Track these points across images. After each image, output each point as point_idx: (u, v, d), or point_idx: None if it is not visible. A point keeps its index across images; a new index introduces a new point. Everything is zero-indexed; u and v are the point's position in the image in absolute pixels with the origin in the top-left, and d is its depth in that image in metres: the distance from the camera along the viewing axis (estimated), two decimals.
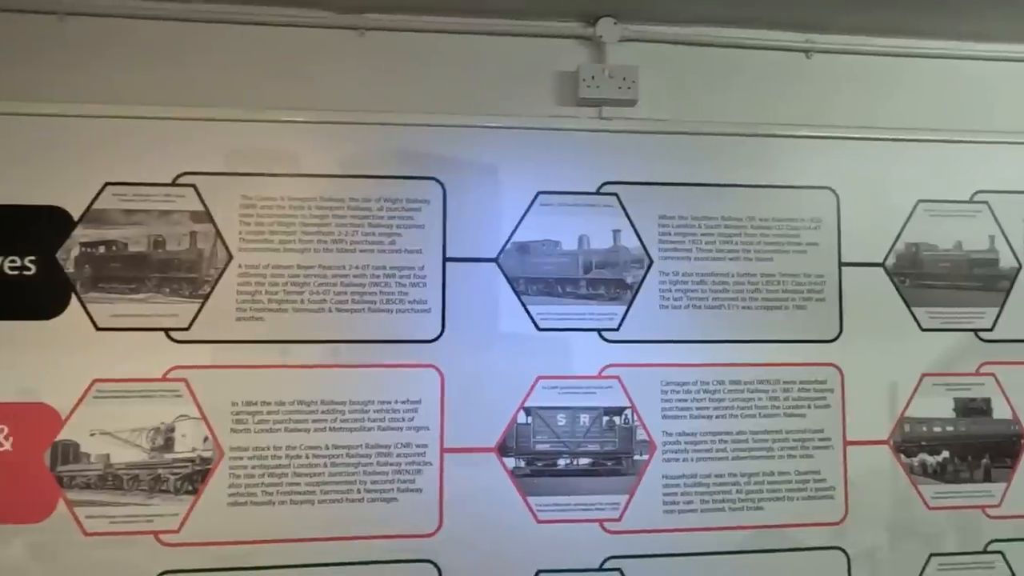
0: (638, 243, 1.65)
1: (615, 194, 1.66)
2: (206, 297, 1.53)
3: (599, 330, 1.62)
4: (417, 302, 1.58)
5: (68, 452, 1.47)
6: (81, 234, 1.51)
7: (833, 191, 1.72)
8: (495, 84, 1.68)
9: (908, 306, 1.71)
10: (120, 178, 1.53)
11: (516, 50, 1.70)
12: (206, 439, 1.50)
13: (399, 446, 1.55)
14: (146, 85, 1.57)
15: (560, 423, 1.58)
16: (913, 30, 1.78)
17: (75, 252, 1.51)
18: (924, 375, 1.70)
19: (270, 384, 1.53)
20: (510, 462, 1.56)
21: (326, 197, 1.58)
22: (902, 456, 1.67)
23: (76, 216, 1.52)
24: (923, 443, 1.68)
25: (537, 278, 1.61)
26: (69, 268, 1.50)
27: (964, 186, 1.75)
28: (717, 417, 1.63)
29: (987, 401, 1.71)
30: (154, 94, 1.57)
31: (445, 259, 1.60)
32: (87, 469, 1.47)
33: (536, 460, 1.57)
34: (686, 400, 1.62)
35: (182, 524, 1.48)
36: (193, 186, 1.55)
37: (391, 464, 1.54)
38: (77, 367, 1.48)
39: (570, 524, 1.57)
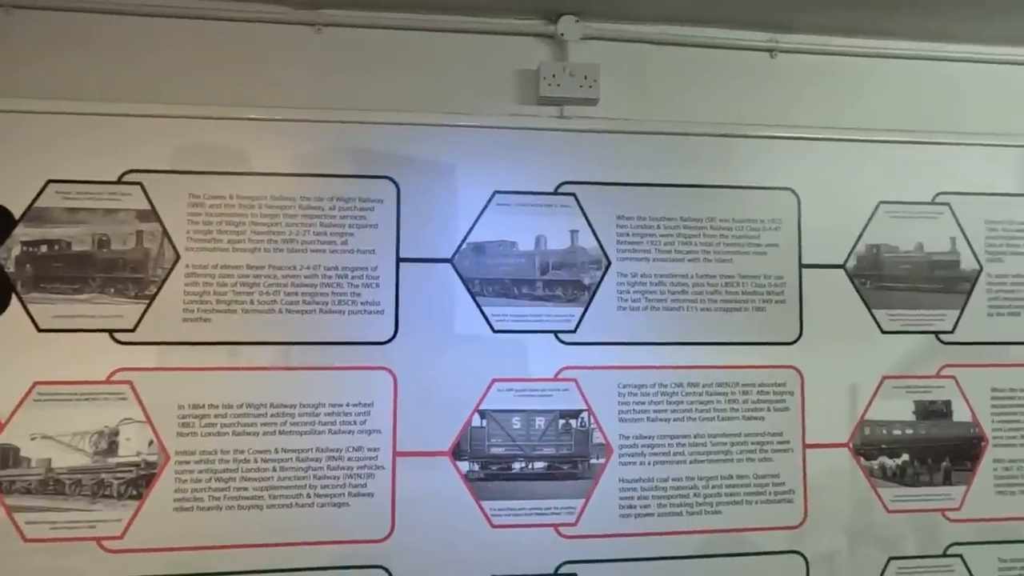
0: (596, 244, 1.61)
1: (573, 194, 1.62)
2: (152, 298, 1.49)
3: (556, 332, 1.59)
4: (370, 303, 1.54)
5: (8, 456, 1.42)
6: (22, 233, 1.47)
7: (794, 192, 1.70)
8: (455, 82, 1.65)
9: (869, 308, 1.69)
10: (63, 175, 1.49)
11: (476, 48, 1.66)
12: (151, 443, 1.46)
13: (350, 450, 1.51)
14: (92, 80, 1.53)
15: (515, 426, 1.55)
16: (878, 30, 1.76)
17: (16, 251, 1.46)
18: (885, 377, 1.68)
19: (218, 386, 1.49)
20: (464, 466, 1.53)
21: (277, 196, 1.54)
22: (862, 459, 1.65)
23: (17, 214, 1.47)
24: (883, 446, 1.66)
25: (493, 279, 1.58)
26: (10, 268, 1.46)
27: (926, 187, 1.73)
28: (675, 420, 1.60)
29: (947, 403, 1.69)
30: (100, 90, 1.52)
31: (399, 259, 1.56)
32: (27, 474, 1.43)
33: (490, 464, 1.54)
34: (644, 403, 1.59)
35: (125, 530, 1.44)
36: (139, 184, 1.51)
37: (342, 468, 1.50)
38: (17, 369, 1.44)
39: (525, 529, 1.54)
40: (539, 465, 1.55)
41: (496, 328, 1.57)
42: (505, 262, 1.58)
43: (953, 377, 1.70)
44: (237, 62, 1.59)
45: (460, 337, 1.56)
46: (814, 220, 1.68)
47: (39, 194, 1.48)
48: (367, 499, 1.50)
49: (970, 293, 1.72)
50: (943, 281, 1.71)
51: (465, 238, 1.58)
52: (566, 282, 1.60)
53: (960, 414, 1.69)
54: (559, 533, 1.55)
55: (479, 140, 1.61)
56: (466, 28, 1.67)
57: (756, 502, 1.61)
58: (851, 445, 1.65)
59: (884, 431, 1.67)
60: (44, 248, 1.47)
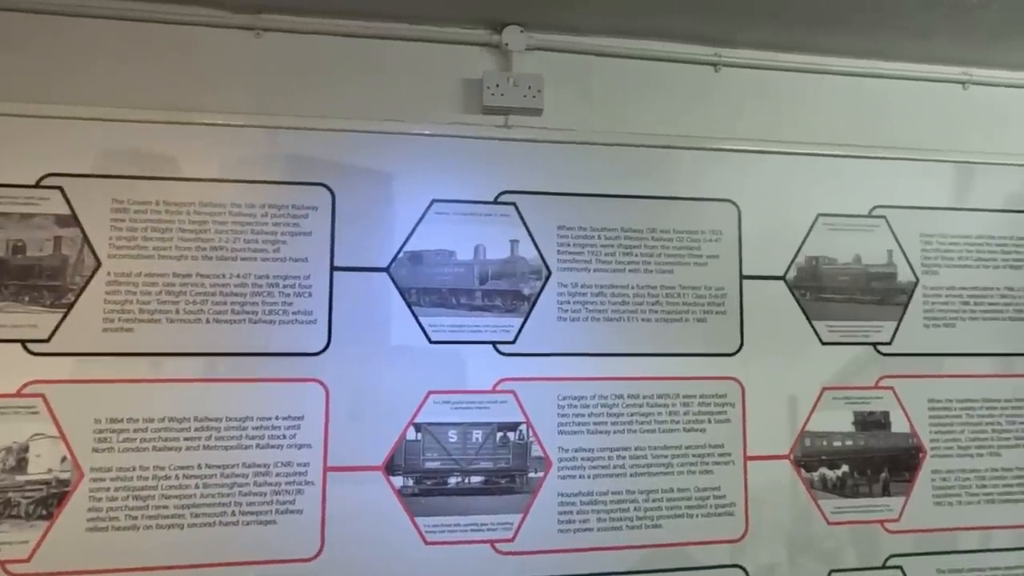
0: (536, 254, 1.56)
1: (513, 203, 1.57)
2: (70, 306, 1.39)
3: (494, 343, 1.52)
4: (302, 313, 1.46)
5: None
6: None
7: (735, 203, 1.67)
8: (398, 90, 1.60)
9: (809, 319, 1.66)
10: None
11: (420, 56, 1.61)
12: (64, 459, 1.35)
13: (279, 465, 1.42)
14: (15, 81, 1.44)
15: (451, 440, 1.47)
16: (817, 47, 1.76)
17: None
18: (825, 389, 1.64)
19: (139, 400, 1.39)
20: (398, 481, 1.45)
21: (206, 202, 1.46)
22: (802, 471, 1.61)
23: None
24: (823, 457, 1.62)
25: (430, 289, 1.51)
26: None
27: (863, 200, 1.72)
28: (615, 432, 1.54)
29: (886, 414, 1.66)
30: (24, 91, 1.44)
31: (333, 268, 1.48)
32: None
33: (425, 479, 1.46)
34: (583, 415, 1.53)
35: (33, 552, 1.33)
36: (59, 188, 1.41)
37: (270, 484, 1.41)
38: None
39: (460, 546, 1.46)
40: (476, 479, 1.48)
41: (433, 339, 1.50)
42: (443, 271, 1.51)
43: (891, 388, 1.67)
44: (172, 66, 1.51)
45: (396, 348, 1.49)
46: (754, 232, 1.66)
47: None
48: (295, 516, 1.41)
49: (907, 305, 1.70)
50: (881, 293, 1.69)
51: (402, 247, 1.52)
52: (505, 292, 1.53)
53: (898, 425, 1.66)
54: (495, 549, 1.47)
55: (418, 148, 1.55)
56: (411, 36, 1.62)
57: (697, 515, 1.55)
58: (792, 457, 1.61)
59: (824, 442, 1.63)
60: None
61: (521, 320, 1.54)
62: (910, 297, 1.71)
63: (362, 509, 1.43)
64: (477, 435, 1.49)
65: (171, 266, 1.44)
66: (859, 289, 1.69)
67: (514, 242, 1.56)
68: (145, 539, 1.36)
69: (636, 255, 1.60)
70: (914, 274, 1.72)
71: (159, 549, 1.36)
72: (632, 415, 1.56)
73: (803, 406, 1.64)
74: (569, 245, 1.58)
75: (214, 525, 1.39)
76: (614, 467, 1.54)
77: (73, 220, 1.41)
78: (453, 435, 1.48)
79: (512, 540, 1.48)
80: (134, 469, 1.38)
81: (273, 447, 1.43)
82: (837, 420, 1.64)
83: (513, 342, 1.53)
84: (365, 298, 1.49)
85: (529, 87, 1.61)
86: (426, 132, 1.56)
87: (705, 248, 1.63)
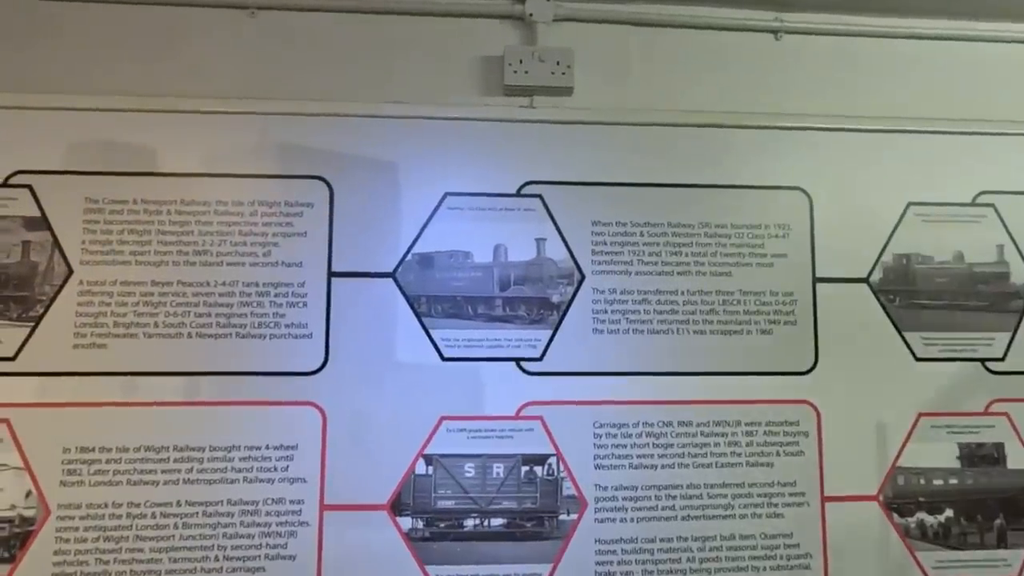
0: (566, 254, 1.33)
1: (539, 196, 1.35)
2: (38, 320, 1.23)
3: (518, 360, 1.30)
4: (296, 326, 1.27)
5: None
6: None
7: (805, 192, 1.40)
8: (407, 71, 1.41)
9: (899, 331, 1.37)
10: None
11: (432, 32, 1.43)
12: (29, 494, 1.19)
13: (269, 502, 1.22)
14: None
15: (468, 475, 1.25)
16: (900, 7, 1.46)
17: None
18: (921, 415, 1.36)
19: (112, 426, 1.22)
20: (405, 523, 1.23)
21: (188, 200, 1.29)
22: (895, 515, 1.32)
23: None
24: (921, 499, 1.33)
25: (443, 297, 1.30)
26: None
27: (965, 186, 1.44)
28: (663, 467, 1.29)
29: (999, 447, 1.36)
30: None
31: (330, 274, 1.29)
32: None
33: (437, 520, 1.24)
34: (624, 446, 1.29)
35: None
36: (29, 187, 1.26)
37: (258, 525, 1.22)
38: None
39: None
40: (497, 522, 1.25)
41: (446, 356, 1.29)
42: (457, 276, 1.30)
43: (1005, 414, 1.37)
44: (156, 51, 1.35)
45: (403, 366, 1.28)
46: (830, 225, 1.40)
47: None
48: (287, 563, 1.22)
49: None
50: (989, 298, 1.39)
51: (410, 248, 1.31)
52: (530, 300, 1.31)
53: (1016, 459, 1.37)
54: None
55: (428, 134, 1.35)
56: (421, 10, 1.44)
57: (765, 568, 1.29)
58: (881, 498, 1.32)
59: (922, 480, 1.33)
60: None
61: (549, 333, 1.31)
62: None
63: (364, 555, 1.23)
64: (498, 469, 1.26)
65: (149, 273, 1.26)
66: (962, 293, 1.39)
67: (540, 241, 1.33)
68: None
69: (686, 255, 1.35)
70: None
71: None
72: (684, 446, 1.30)
73: (894, 436, 1.34)
74: (605, 244, 1.34)
75: (195, 572, 1.20)
76: (662, 508, 1.28)
77: (43, 223, 1.26)
78: (470, 469, 1.26)
79: None
80: (106, 506, 1.20)
81: (263, 481, 1.23)
82: (938, 454, 1.35)
83: (540, 359, 1.30)
84: (367, 308, 1.29)
85: (557, 63, 1.39)
86: (437, 116, 1.35)
87: (770, 245, 1.37)
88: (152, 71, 1.34)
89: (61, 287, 1.24)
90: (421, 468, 1.26)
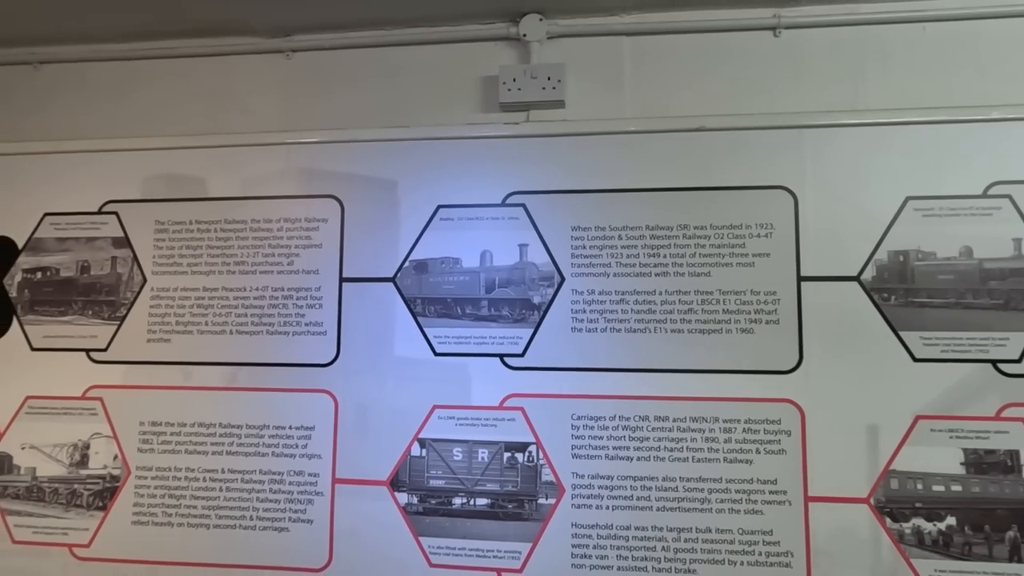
0: (547, 258, 1.38)
1: (522, 205, 1.40)
2: (122, 319, 1.49)
3: (501, 355, 1.37)
4: (313, 324, 1.43)
5: (2, 464, 1.47)
6: (23, 261, 1.54)
7: (790, 191, 1.35)
8: (414, 96, 1.53)
9: (894, 330, 1.28)
10: (56, 208, 1.54)
11: (437, 58, 1.53)
12: (116, 457, 1.45)
13: (292, 473, 1.40)
14: (84, 121, 1.59)
15: (456, 458, 1.35)
16: None
17: (18, 278, 1.54)
18: (919, 418, 1.26)
19: (174, 405, 1.46)
20: (402, 498, 1.36)
21: (230, 219, 1.49)
22: (888, 520, 1.24)
23: (20, 245, 1.54)
24: (918, 505, 1.24)
25: (435, 298, 1.40)
26: (12, 293, 1.53)
27: (975, 177, 1.30)
28: (639, 459, 1.31)
29: (1013, 455, 1.23)
30: (90, 128, 1.57)
31: (342, 279, 1.44)
32: (17, 480, 1.47)
33: (430, 497, 1.35)
34: (601, 437, 1.32)
35: (92, 539, 1.44)
36: (115, 213, 1.52)
37: (283, 492, 1.40)
38: (13, 384, 1.51)
39: (465, 572, 1.33)
40: (482, 502, 1.33)
41: (438, 351, 1.39)
42: (448, 280, 1.40)
43: (1021, 419, 1.23)
44: (210, 94, 1.57)
45: (400, 360, 1.40)
46: (817, 224, 1.34)
47: (37, 226, 1.54)
48: (306, 525, 1.38)
49: None
50: (1003, 295, 1.26)
51: (407, 256, 1.43)
52: (513, 301, 1.37)
53: None
54: None
55: (424, 153, 1.45)
56: (429, 39, 1.54)
57: (742, 563, 1.27)
58: (872, 501, 1.25)
59: (919, 485, 1.24)
60: (39, 275, 1.53)
61: (530, 331, 1.37)
62: None
63: (368, 523, 1.37)
64: (483, 454, 1.35)
65: (201, 281, 1.48)
66: (970, 291, 1.27)
67: (523, 246, 1.39)
68: (178, 535, 1.42)
69: (664, 256, 1.35)
70: None
71: (189, 546, 1.41)
72: (659, 440, 1.31)
73: (888, 439, 1.27)
74: (585, 248, 1.38)
75: (235, 528, 1.41)
76: (638, 498, 1.30)
77: (125, 242, 1.52)
78: (458, 453, 1.35)
79: (520, 571, 1.31)
80: (169, 470, 1.44)
81: (287, 455, 1.41)
82: (939, 459, 1.25)
83: (522, 355, 1.37)
84: (372, 309, 1.43)
85: (548, 78, 1.44)
86: (432, 136, 1.45)
87: (751, 245, 1.33)
88: (206, 112, 1.56)
89: (139, 293, 1.50)
90: (416, 450, 1.38)
